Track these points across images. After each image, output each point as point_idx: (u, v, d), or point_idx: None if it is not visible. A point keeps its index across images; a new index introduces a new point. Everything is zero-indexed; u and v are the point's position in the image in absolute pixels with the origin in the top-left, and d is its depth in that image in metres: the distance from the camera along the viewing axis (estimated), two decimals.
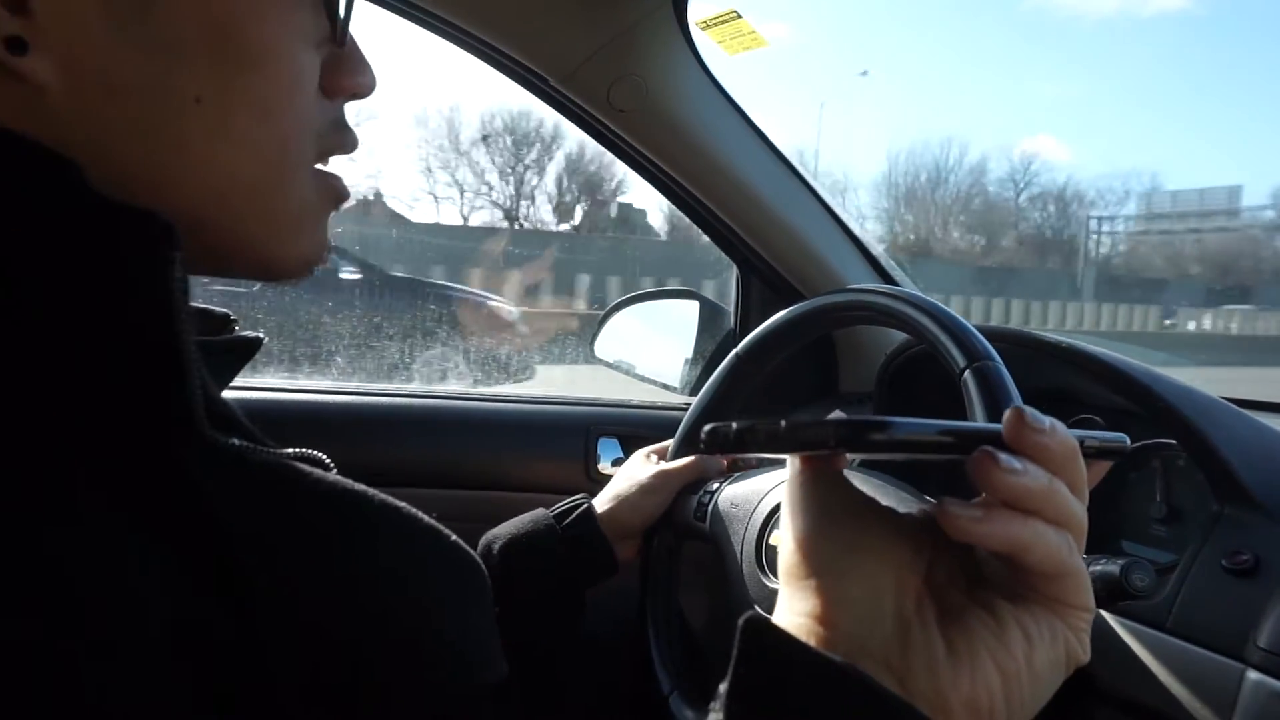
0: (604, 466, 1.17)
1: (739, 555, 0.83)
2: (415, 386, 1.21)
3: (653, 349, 1.35)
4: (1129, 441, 0.37)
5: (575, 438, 1.19)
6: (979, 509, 0.31)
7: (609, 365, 1.37)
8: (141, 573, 0.28)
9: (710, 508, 0.89)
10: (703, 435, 0.32)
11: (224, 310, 0.48)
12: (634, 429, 1.21)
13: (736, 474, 0.91)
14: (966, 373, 0.63)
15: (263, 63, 0.38)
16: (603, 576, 0.84)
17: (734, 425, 0.31)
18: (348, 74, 0.44)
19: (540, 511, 0.84)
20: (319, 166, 0.44)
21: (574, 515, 0.84)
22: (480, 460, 1.15)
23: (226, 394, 0.41)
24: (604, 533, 0.84)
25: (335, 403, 1.14)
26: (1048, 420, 0.32)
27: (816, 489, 0.36)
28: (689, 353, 1.31)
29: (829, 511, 0.35)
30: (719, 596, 0.88)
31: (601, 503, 0.87)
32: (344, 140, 0.45)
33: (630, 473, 0.91)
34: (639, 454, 0.94)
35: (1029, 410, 0.32)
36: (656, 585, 0.93)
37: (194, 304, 0.47)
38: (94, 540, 0.28)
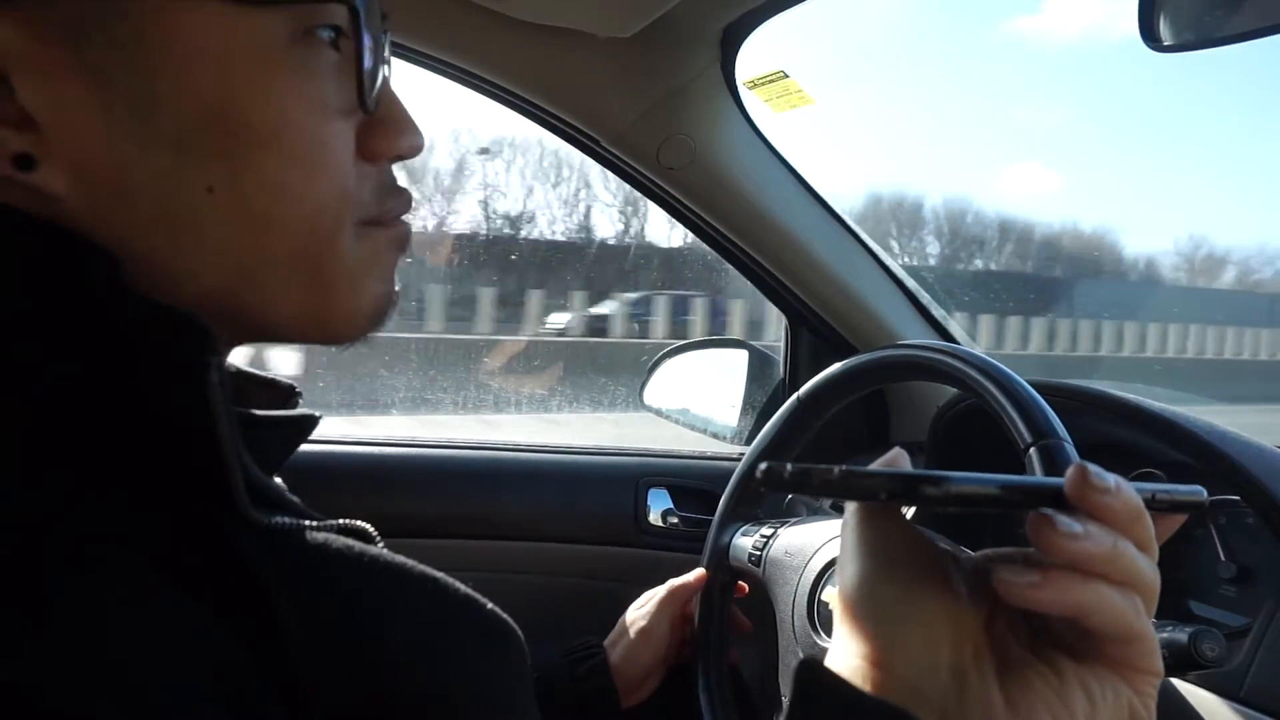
0: (654, 518, 1.17)
1: (790, 607, 0.82)
2: (464, 437, 1.22)
3: (702, 398, 1.35)
4: (1206, 494, 0.35)
5: (625, 488, 1.19)
6: (1036, 574, 0.30)
7: (658, 414, 1.37)
8: (196, 652, 0.30)
9: (765, 553, 0.88)
10: (759, 472, 0.32)
11: (289, 381, 0.50)
12: (684, 479, 1.21)
13: (794, 519, 0.91)
14: (1032, 450, 0.61)
15: (271, 143, 0.37)
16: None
17: (788, 466, 0.31)
18: (384, 138, 0.43)
19: (552, 656, 0.86)
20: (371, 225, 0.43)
21: (587, 665, 0.85)
22: (529, 512, 1.16)
23: None
24: (614, 684, 0.84)
25: (385, 454, 1.16)
26: (1112, 478, 0.31)
27: (875, 531, 0.35)
28: (739, 402, 1.31)
29: (887, 555, 0.34)
30: (768, 644, 0.87)
31: (612, 648, 0.88)
32: (390, 205, 0.44)
33: (626, 619, 0.91)
34: (644, 596, 0.94)
35: (1092, 467, 0.30)
36: (709, 626, 0.92)
37: (260, 373, 0.49)
38: (153, 620, 0.30)
